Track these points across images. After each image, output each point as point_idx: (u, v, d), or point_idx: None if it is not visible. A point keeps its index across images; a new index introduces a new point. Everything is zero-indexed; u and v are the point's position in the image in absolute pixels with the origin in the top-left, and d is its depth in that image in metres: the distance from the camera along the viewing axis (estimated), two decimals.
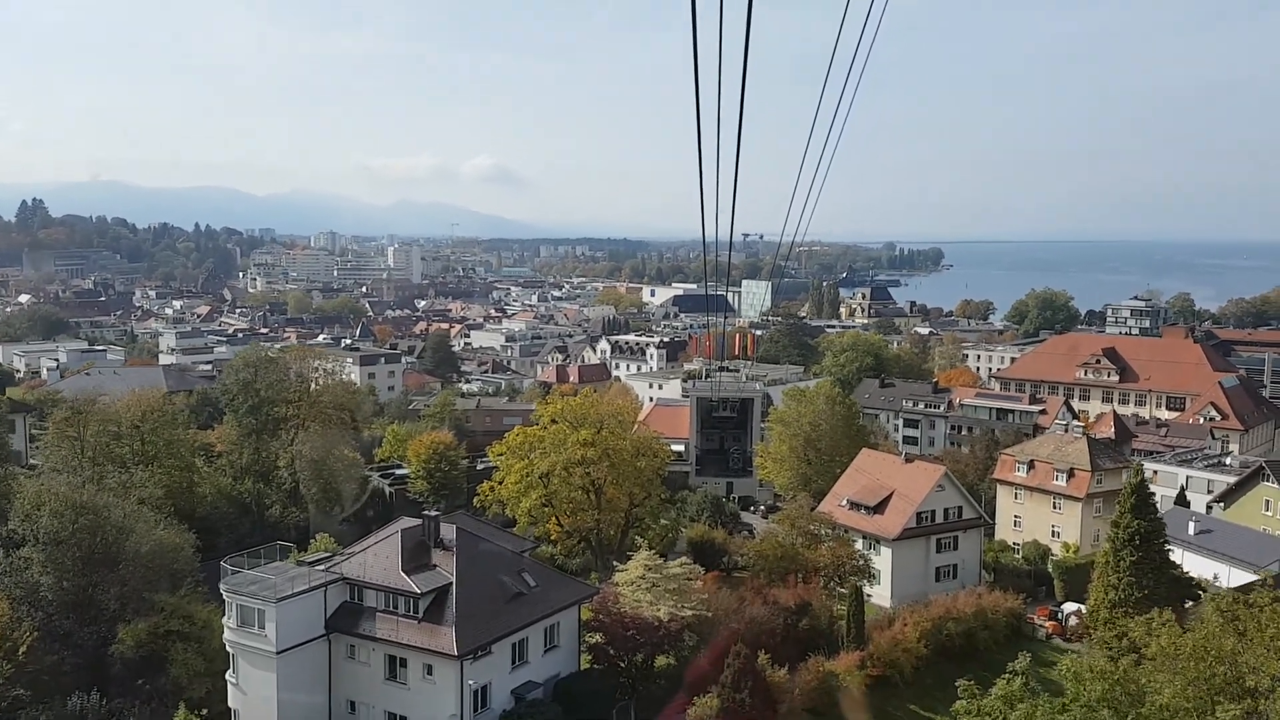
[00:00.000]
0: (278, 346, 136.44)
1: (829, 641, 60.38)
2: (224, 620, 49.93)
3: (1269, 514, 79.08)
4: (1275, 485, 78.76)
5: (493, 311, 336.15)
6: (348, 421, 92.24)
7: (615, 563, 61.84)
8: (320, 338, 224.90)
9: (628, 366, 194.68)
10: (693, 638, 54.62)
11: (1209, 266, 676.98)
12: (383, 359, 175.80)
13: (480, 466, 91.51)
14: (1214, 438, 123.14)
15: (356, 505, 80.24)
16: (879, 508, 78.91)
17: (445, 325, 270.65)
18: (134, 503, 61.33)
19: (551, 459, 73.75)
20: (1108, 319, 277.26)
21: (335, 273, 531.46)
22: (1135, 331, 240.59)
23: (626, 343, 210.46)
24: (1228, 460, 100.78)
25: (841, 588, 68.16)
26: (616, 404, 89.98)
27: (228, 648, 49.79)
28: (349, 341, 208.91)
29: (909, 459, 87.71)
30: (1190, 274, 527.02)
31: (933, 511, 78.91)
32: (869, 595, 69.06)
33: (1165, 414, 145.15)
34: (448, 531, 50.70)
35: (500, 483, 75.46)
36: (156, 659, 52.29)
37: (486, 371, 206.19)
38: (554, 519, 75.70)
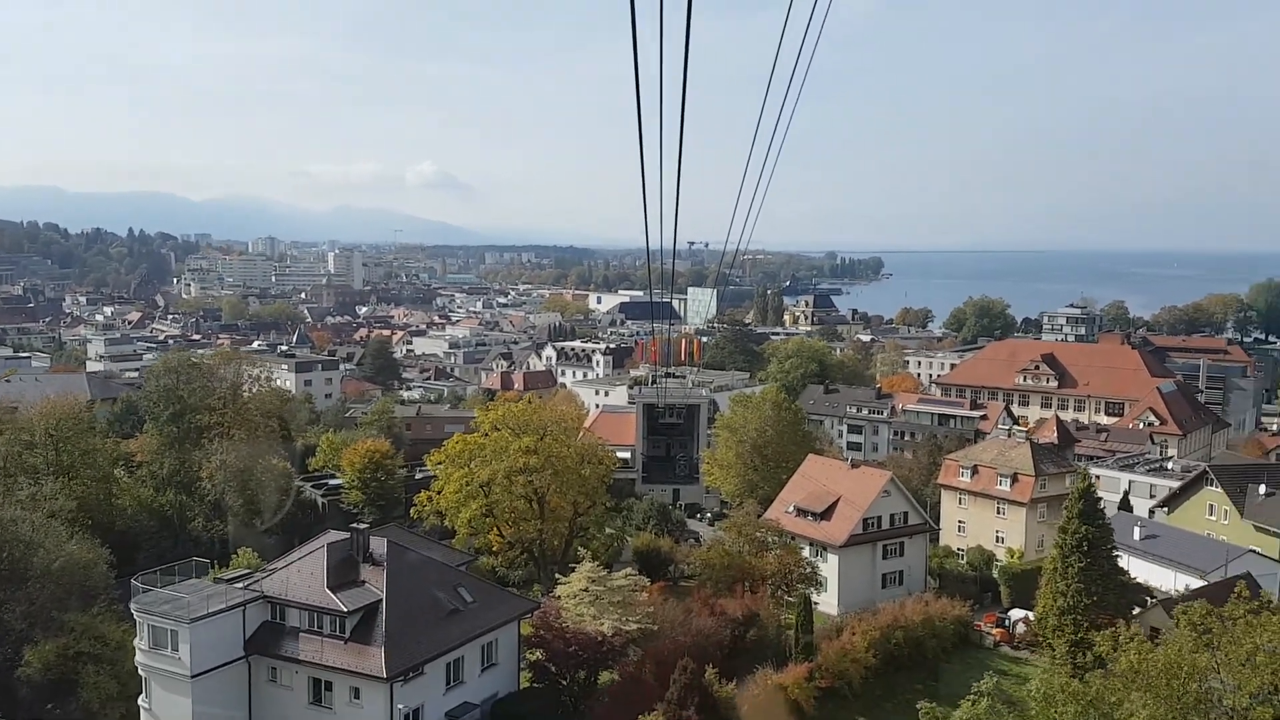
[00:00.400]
0: (209, 353, 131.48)
1: (777, 653, 58.73)
2: (136, 642, 46.69)
3: (1213, 518, 79.41)
4: (1219, 490, 79.12)
5: (436, 318, 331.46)
6: (276, 430, 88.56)
7: (558, 575, 59.52)
8: (255, 344, 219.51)
9: (574, 373, 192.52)
10: (637, 652, 52.48)
11: (1141, 275, 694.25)
12: (320, 366, 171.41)
13: (419, 476, 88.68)
14: (1153, 442, 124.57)
15: (278, 516, 76.57)
16: (826, 514, 77.74)
17: (387, 332, 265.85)
18: (44, 515, 57.65)
19: (492, 467, 71.19)
20: (1044, 326, 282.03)
21: (273, 278, 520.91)
22: (1071, 338, 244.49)
23: (572, 349, 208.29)
24: (1169, 465, 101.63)
25: (790, 596, 66.65)
26: (560, 410, 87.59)
27: (140, 671, 46.57)
28: (285, 348, 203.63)
29: (855, 464, 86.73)
30: (1123, 283, 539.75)
31: (879, 517, 78.01)
32: (816, 603, 67.67)
33: (1104, 419, 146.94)
34: (378, 545, 47.95)
35: (439, 492, 72.66)
36: (66, 682, 49.00)
37: (429, 379, 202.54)
38: (495, 529, 73.11)
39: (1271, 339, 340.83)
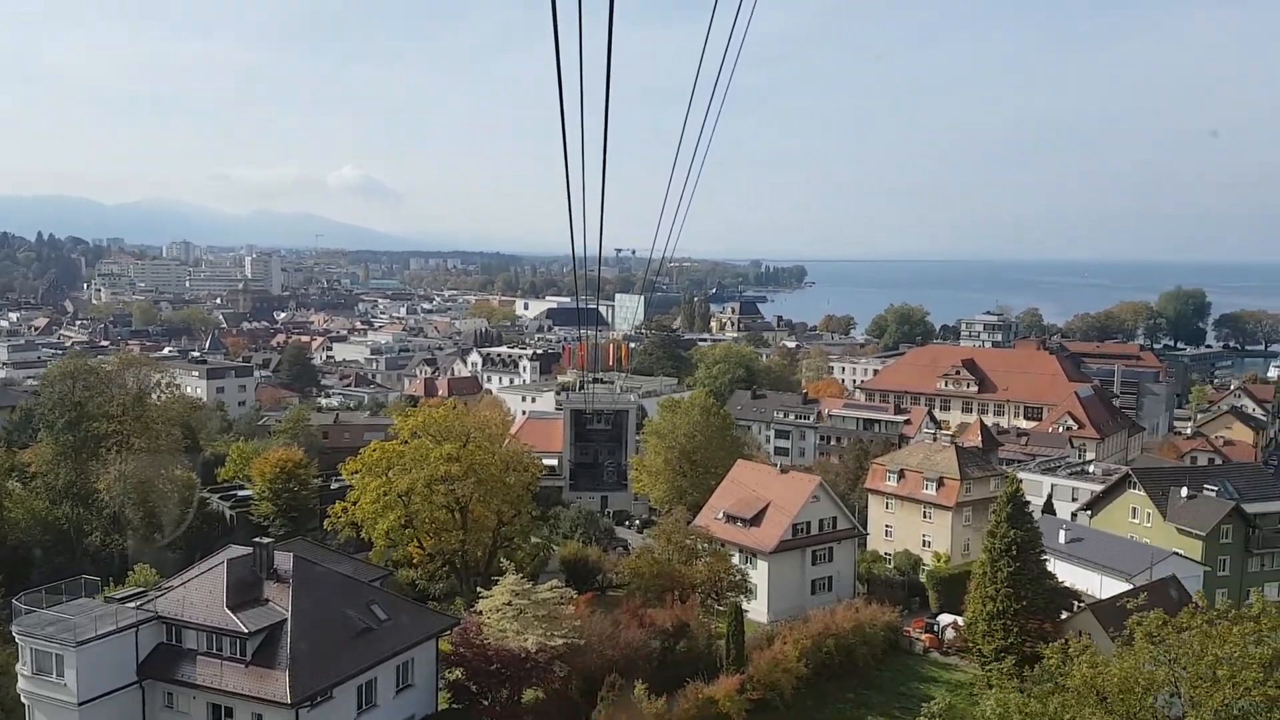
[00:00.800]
0: (110, 358, 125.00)
1: (708, 664, 57.06)
2: (18, 668, 42.86)
3: (1136, 521, 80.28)
4: (1141, 493, 80.00)
5: (358, 324, 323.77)
6: (181, 439, 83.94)
7: (480, 588, 56.85)
8: (166, 350, 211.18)
9: (500, 379, 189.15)
10: (564, 668, 50.19)
11: (1052, 284, 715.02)
12: (233, 372, 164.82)
13: (335, 486, 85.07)
14: (1072, 446, 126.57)
15: (179, 530, 72.21)
16: (755, 520, 76.53)
17: (306, 338, 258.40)
18: None
19: (412, 476, 68.15)
20: (962, 333, 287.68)
21: (188, 283, 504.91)
22: (989, 344, 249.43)
23: (499, 355, 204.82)
24: (1090, 468, 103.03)
25: (720, 605, 65.12)
26: (485, 416, 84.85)
27: (23, 699, 42.75)
28: (197, 354, 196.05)
29: (784, 469, 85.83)
30: (1036, 291, 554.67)
31: (809, 523, 77.18)
32: (746, 611, 66.39)
33: (1024, 423, 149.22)
34: (283, 560, 44.79)
35: (354, 503, 69.32)
36: None
37: (349, 385, 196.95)
38: (414, 541, 70.05)
39: (1180, 345, 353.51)
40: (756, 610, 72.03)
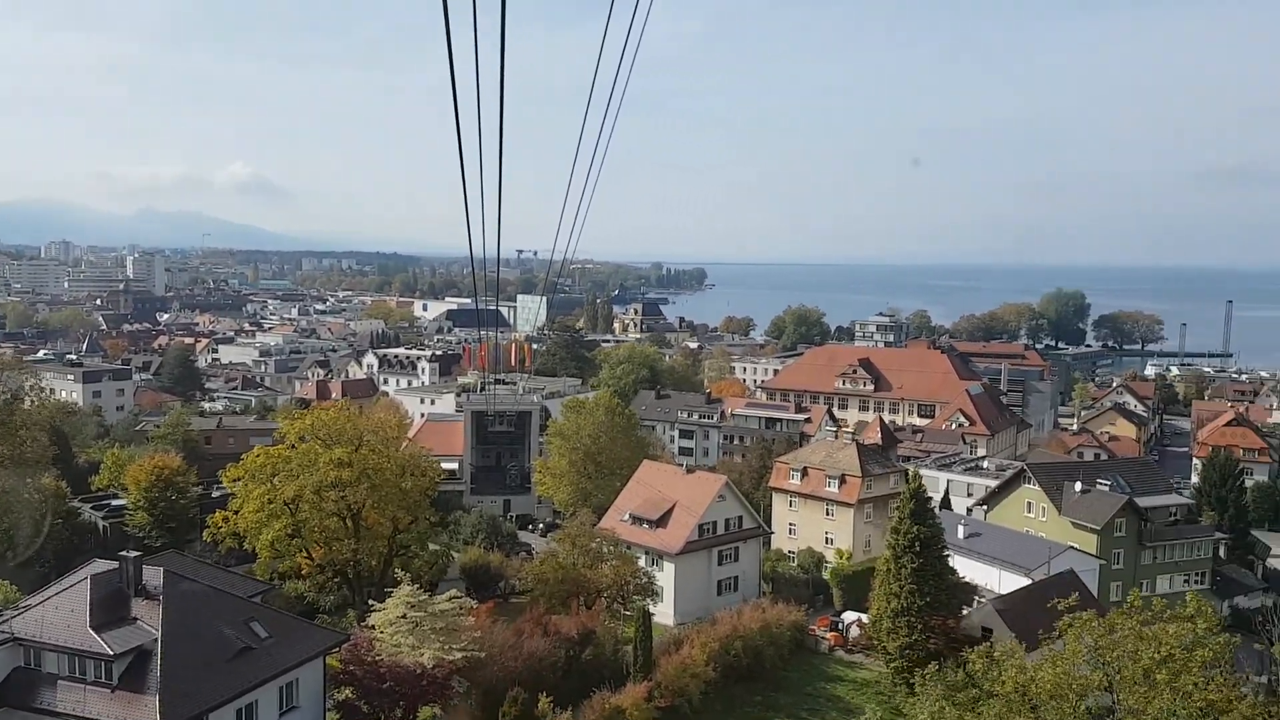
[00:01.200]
0: None
1: (615, 671, 55.36)
2: None
3: (1031, 515, 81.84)
4: (1036, 487, 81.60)
5: (247, 325, 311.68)
6: (46, 445, 78.01)
7: (372, 602, 53.80)
8: (41, 353, 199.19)
9: (397, 381, 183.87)
10: (463, 683, 47.75)
11: (939, 287, 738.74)
12: (110, 375, 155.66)
13: (217, 494, 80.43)
14: (965, 442, 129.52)
15: (35, 545, 66.71)
16: (661, 521, 75.34)
17: (191, 339, 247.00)
18: None
19: (299, 482, 64.48)
20: (856, 334, 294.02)
21: (66, 284, 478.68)
22: (882, 344, 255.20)
23: (396, 356, 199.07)
24: (984, 464, 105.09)
25: (626, 610, 63.51)
26: (379, 419, 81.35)
27: None
28: (73, 356, 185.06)
29: (690, 470, 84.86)
30: (924, 294, 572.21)
31: (715, 523, 76.52)
32: (652, 614, 64.88)
33: (918, 421, 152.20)
34: (153, 575, 41.17)
35: (237, 512, 65.24)
36: None
37: (236, 389, 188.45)
38: (303, 551, 66.36)
39: (1062, 345, 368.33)
40: (663, 613, 70.70)
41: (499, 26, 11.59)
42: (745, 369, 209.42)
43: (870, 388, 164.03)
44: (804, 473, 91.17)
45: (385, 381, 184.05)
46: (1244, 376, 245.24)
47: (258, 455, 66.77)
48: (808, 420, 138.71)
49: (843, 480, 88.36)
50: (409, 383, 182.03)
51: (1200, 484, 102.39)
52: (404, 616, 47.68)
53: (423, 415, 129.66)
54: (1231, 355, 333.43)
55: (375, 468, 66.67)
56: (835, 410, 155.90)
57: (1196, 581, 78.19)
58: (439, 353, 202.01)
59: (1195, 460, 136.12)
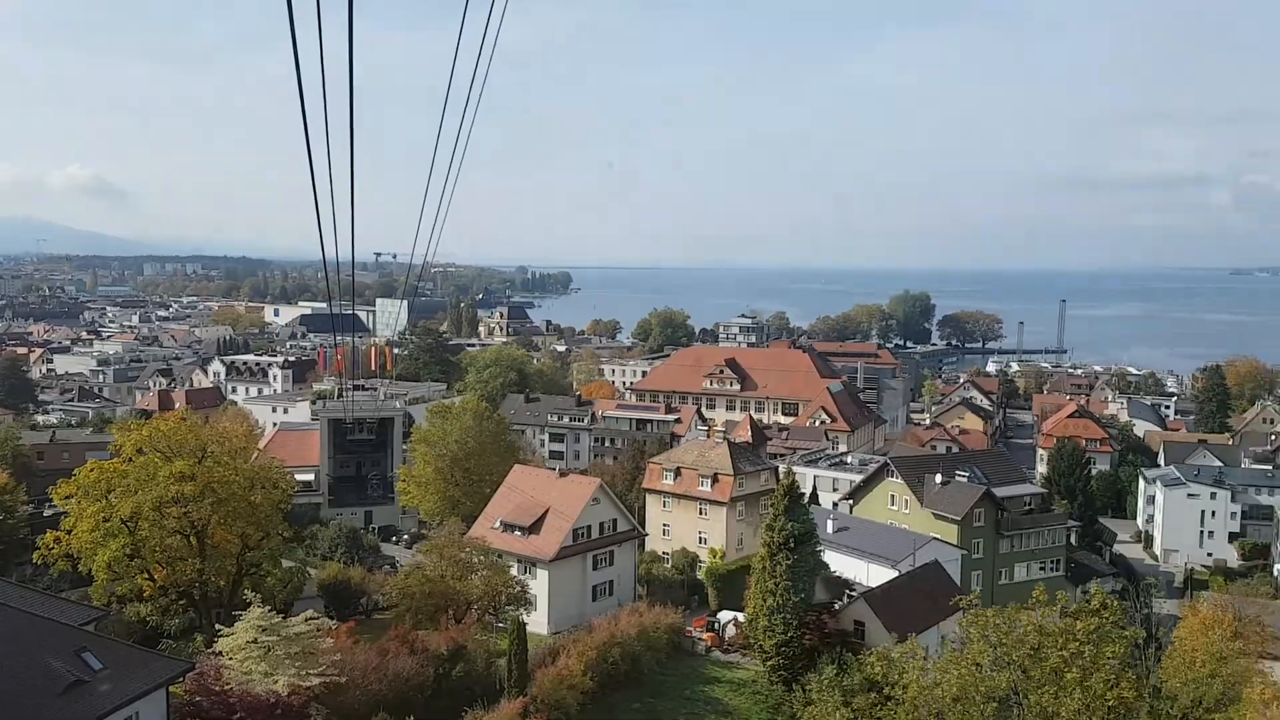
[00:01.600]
0: None
1: (488, 687, 52.80)
2: None
3: (894, 508, 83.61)
4: (899, 481, 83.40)
5: (84, 334, 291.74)
6: None
7: (220, 626, 49.56)
8: None
9: (247, 390, 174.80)
10: (322, 711, 44.35)
11: (796, 290, 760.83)
12: None
13: (49, 513, 73.82)
14: (828, 439, 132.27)
15: None
16: (534, 527, 73.17)
17: (23, 350, 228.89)
18: None
19: (138, 498, 59.13)
20: (720, 335, 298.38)
21: None
22: (744, 345, 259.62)
23: (245, 363, 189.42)
24: (848, 459, 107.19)
25: (500, 621, 61.02)
26: (224, 429, 76.05)
27: None
28: None
29: (563, 473, 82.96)
30: (782, 296, 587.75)
31: (589, 526, 74.95)
32: (526, 624, 62.67)
33: (783, 419, 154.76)
34: None
35: (70, 532, 59.40)
36: None
37: (71, 400, 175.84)
38: (144, 573, 60.95)
39: (910, 344, 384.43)
40: (537, 622, 68.55)
41: (346, 25, 11.41)
42: (614, 371, 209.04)
43: (737, 387, 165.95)
44: (677, 473, 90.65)
45: (234, 390, 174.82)
46: (1079, 371, 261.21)
47: (91, 470, 60.98)
48: (678, 421, 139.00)
49: (715, 479, 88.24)
50: (259, 391, 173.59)
51: (1049, 473, 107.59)
52: (255, 641, 43.87)
53: (275, 424, 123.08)
54: (1066, 351, 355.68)
55: (221, 481, 61.83)
56: (704, 410, 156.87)
57: (1052, 568, 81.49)
58: (292, 359, 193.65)
59: (1040, 451, 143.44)
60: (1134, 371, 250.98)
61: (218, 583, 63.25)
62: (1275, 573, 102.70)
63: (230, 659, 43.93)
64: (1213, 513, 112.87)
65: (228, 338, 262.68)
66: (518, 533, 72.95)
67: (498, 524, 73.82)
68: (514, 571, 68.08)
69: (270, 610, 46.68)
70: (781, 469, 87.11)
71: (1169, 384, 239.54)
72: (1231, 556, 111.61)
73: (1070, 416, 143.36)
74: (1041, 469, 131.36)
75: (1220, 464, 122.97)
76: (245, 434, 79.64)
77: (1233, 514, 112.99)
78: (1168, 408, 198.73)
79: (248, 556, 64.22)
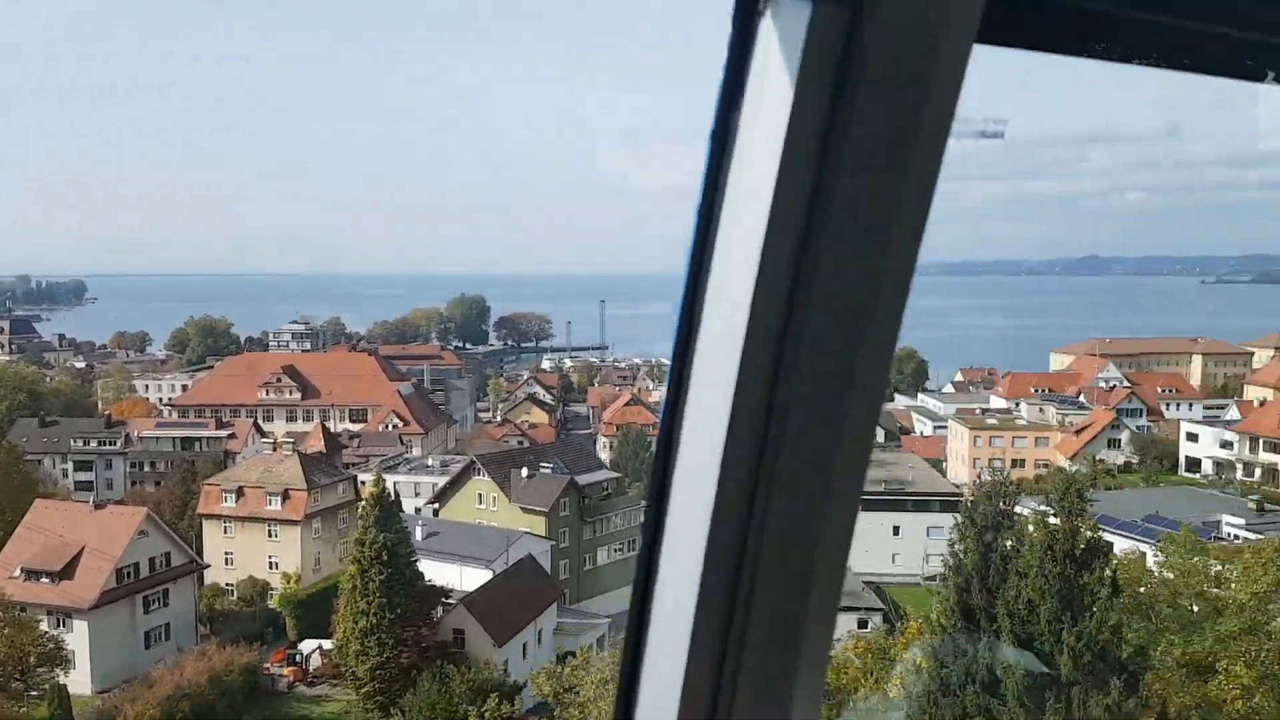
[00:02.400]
0: None
1: None
2: None
3: (482, 507, 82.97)
4: (486, 478, 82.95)
5: None
6: None
7: None
8: None
9: None
10: None
11: (352, 295, 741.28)
12: None
13: None
14: (403, 443, 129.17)
15: None
16: (67, 571, 61.95)
17: None
18: None
19: None
20: (270, 343, 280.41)
21: None
22: (299, 352, 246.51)
23: None
24: (429, 461, 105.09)
25: (32, 690, 50.23)
26: None
27: None
28: None
29: (100, 505, 71.16)
30: (336, 303, 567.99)
31: (137, 564, 65.81)
32: (64, 684, 52.59)
33: (352, 426, 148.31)
34: None
35: None
36: None
37: None
38: None
39: (470, 345, 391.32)
40: (80, 682, 57.87)
41: None
42: (148, 386, 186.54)
43: (298, 396, 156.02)
44: (239, 493, 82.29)
45: None
46: (623, 364, 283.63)
47: None
48: (232, 436, 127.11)
49: (286, 495, 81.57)
50: None
51: (615, 458, 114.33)
52: None
53: None
54: (608, 347, 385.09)
55: None
56: (260, 422, 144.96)
57: (631, 548, 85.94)
58: None
59: (602, 439, 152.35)
60: (667, 362, 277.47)
61: None
62: None
63: None
64: None
65: None
66: (45, 580, 61.18)
67: (18, 571, 61.32)
68: (44, 626, 56.89)
69: None
70: (369, 477, 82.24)
71: None
72: None
73: (626, 405, 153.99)
74: (606, 455, 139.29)
75: None
76: None
77: None
78: None
79: None
